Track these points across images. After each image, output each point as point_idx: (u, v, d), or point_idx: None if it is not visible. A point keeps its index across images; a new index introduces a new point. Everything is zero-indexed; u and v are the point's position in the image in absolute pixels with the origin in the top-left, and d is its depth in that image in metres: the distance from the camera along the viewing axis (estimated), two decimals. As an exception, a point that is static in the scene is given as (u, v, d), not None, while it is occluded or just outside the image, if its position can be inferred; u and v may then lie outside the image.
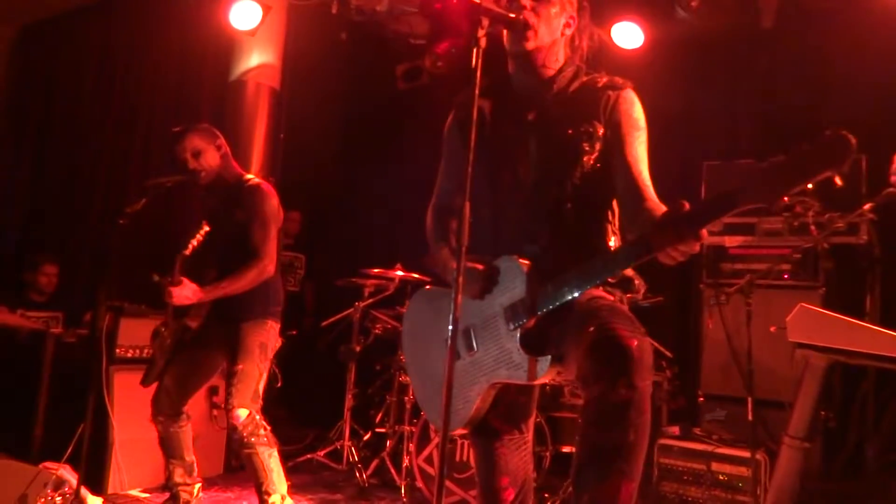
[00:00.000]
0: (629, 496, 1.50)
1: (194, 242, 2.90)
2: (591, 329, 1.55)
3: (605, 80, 1.87)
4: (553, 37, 1.86)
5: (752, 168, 1.37)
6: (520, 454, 1.96)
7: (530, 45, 1.82)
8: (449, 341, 1.51)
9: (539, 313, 1.66)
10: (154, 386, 3.08)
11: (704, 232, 1.43)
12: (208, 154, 3.06)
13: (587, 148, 1.80)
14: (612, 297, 1.78)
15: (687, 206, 1.45)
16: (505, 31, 1.82)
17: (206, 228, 2.92)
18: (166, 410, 3.05)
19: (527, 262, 1.72)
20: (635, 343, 1.52)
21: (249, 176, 3.24)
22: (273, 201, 3.08)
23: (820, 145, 1.29)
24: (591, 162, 1.80)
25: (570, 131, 1.81)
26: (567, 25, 1.90)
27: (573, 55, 1.93)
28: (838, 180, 1.29)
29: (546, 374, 1.64)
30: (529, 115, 1.88)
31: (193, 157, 3.03)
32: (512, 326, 1.70)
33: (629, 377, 1.48)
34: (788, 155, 1.34)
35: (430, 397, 1.95)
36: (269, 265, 2.99)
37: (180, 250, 2.89)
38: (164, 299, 2.90)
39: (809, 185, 1.31)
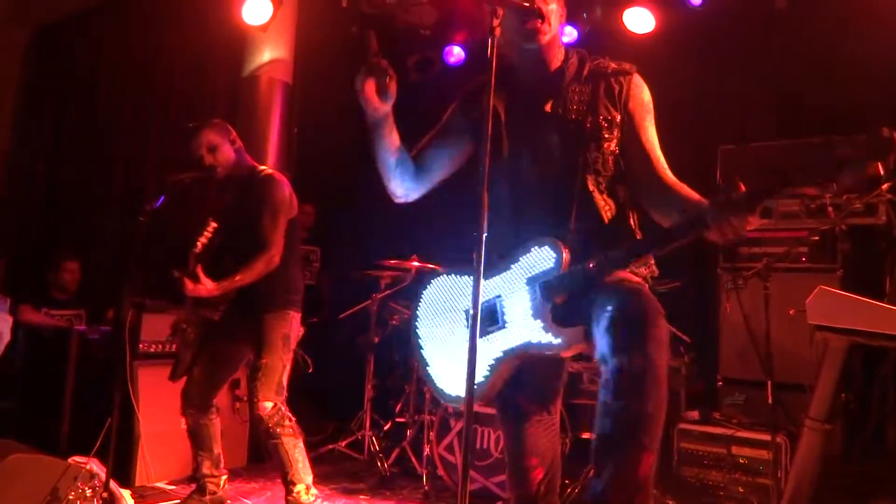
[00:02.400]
0: (649, 467, 1.54)
1: (203, 240, 2.93)
2: (610, 308, 1.61)
3: (613, 65, 1.90)
4: (556, 27, 1.89)
5: (811, 148, 1.45)
6: (548, 435, 2.00)
7: (545, 39, 1.85)
8: (471, 323, 1.53)
9: (575, 289, 1.72)
10: (182, 380, 3.13)
11: (758, 210, 1.50)
12: (224, 149, 3.09)
13: (607, 135, 1.84)
14: (638, 280, 1.82)
15: (742, 186, 1.53)
16: (511, 26, 1.81)
17: (214, 225, 2.95)
18: (196, 403, 3.09)
19: (562, 242, 1.76)
20: (650, 317, 1.58)
21: (262, 167, 3.26)
22: (285, 191, 3.11)
23: (873, 137, 1.38)
24: (612, 148, 1.86)
25: (589, 119, 1.84)
26: (561, 13, 1.93)
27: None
28: (881, 170, 1.38)
29: (574, 347, 1.70)
30: (546, 106, 1.90)
31: (209, 153, 3.07)
32: (545, 301, 1.74)
33: (644, 347, 1.54)
34: (843, 142, 1.42)
35: (448, 374, 1.96)
36: (275, 255, 3.00)
37: (190, 248, 2.93)
38: (182, 293, 2.93)
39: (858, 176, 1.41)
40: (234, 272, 2.98)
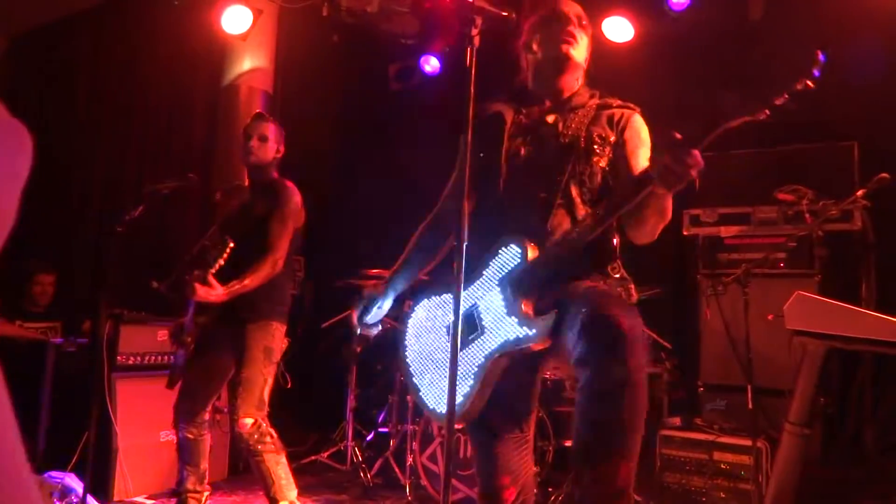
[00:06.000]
0: (628, 475, 1.53)
1: (222, 261, 2.84)
2: (584, 311, 1.60)
3: (618, 102, 1.99)
4: (581, 60, 2.02)
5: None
6: (520, 454, 1.94)
7: (571, 66, 1.99)
8: (451, 332, 1.55)
9: (542, 276, 1.75)
10: (167, 392, 3.07)
11: (697, 154, 1.55)
12: (268, 147, 3.16)
13: (598, 150, 1.90)
14: (604, 287, 1.82)
15: (677, 134, 1.58)
16: (547, 43, 1.97)
17: (231, 245, 2.88)
18: (188, 417, 3.03)
19: (526, 238, 1.79)
20: (626, 322, 1.56)
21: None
22: (297, 200, 3.13)
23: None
24: (602, 164, 1.91)
25: (584, 133, 1.91)
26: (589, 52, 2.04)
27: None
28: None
29: (547, 336, 1.69)
30: (548, 118, 1.99)
31: (259, 140, 3.14)
32: (514, 296, 1.76)
33: (622, 356, 1.52)
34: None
35: (436, 394, 1.95)
36: (280, 260, 2.99)
37: (207, 268, 2.83)
38: (188, 296, 2.85)
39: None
40: (238, 276, 2.92)
